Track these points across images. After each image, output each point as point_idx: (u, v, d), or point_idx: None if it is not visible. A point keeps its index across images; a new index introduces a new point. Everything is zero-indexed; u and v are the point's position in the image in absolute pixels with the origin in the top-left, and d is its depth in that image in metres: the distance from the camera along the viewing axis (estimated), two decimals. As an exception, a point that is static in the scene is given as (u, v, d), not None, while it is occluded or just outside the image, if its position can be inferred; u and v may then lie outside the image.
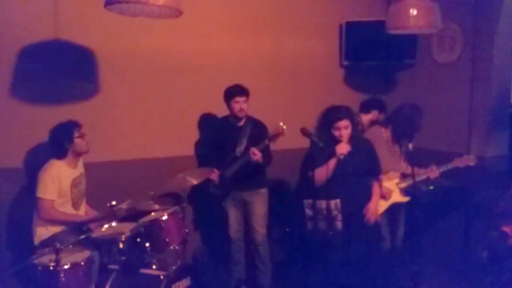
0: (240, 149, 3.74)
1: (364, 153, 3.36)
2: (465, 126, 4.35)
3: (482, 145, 4.21)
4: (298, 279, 4.04)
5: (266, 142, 3.59)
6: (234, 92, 3.73)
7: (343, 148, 3.20)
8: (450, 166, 3.73)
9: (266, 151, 3.67)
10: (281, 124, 3.53)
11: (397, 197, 3.77)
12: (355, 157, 3.27)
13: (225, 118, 3.92)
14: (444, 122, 4.53)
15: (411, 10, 3.36)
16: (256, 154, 3.54)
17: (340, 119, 3.26)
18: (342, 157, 3.18)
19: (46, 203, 3.23)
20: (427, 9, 3.37)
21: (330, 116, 3.32)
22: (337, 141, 3.27)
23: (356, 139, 3.36)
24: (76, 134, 3.36)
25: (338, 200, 3.20)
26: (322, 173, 3.23)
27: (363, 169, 3.36)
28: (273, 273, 3.99)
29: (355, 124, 3.37)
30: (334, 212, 3.19)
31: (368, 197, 3.42)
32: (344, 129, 3.26)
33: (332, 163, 3.23)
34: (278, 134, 3.54)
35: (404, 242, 4.02)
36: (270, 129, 3.67)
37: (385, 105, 4.42)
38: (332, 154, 3.23)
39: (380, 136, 3.77)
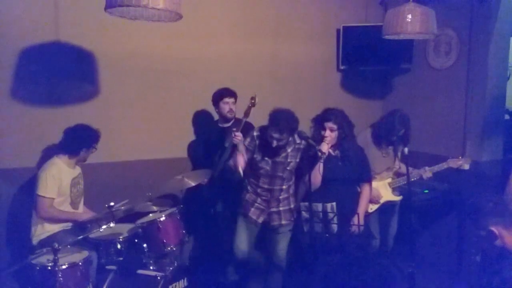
0: (227, 143, 3.69)
1: (354, 160, 3.41)
2: (460, 130, 4.38)
3: (477, 149, 4.24)
4: (295, 281, 4.06)
5: (243, 119, 3.50)
6: (223, 93, 3.80)
7: (323, 147, 3.24)
8: (442, 166, 3.79)
9: None
10: (253, 96, 3.44)
11: (389, 196, 3.83)
12: (345, 163, 3.35)
13: (215, 122, 3.98)
14: (439, 127, 4.57)
15: (407, 16, 3.39)
16: (237, 136, 3.36)
17: (328, 120, 3.33)
18: (323, 156, 3.21)
19: (46, 201, 3.25)
20: (423, 15, 3.40)
21: (322, 115, 3.40)
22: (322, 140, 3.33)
23: (347, 145, 3.39)
24: (94, 145, 3.41)
25: (334, 203, 3.23)
26: (315, 176, 3.26)
27: (353, 175, 3.42)
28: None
29: (344, 129, 3.36)
30: (330, 215, 3.21)
31: (357, 201, 3.47)
32: (329, 130, 3.31)
33: (320, 164, 3.27)
34: (250, 106, 3.47)
35: (399, 244, 4.05)
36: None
37: None
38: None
39: (368, 140, 3.81)
